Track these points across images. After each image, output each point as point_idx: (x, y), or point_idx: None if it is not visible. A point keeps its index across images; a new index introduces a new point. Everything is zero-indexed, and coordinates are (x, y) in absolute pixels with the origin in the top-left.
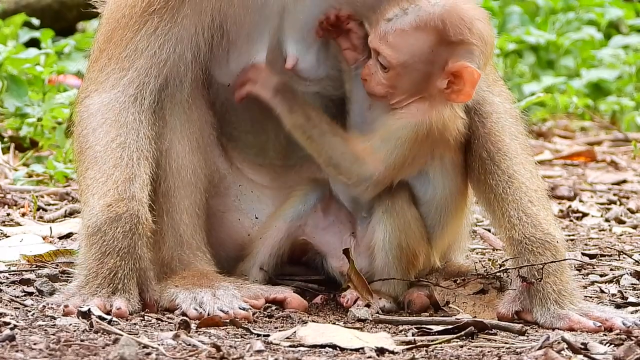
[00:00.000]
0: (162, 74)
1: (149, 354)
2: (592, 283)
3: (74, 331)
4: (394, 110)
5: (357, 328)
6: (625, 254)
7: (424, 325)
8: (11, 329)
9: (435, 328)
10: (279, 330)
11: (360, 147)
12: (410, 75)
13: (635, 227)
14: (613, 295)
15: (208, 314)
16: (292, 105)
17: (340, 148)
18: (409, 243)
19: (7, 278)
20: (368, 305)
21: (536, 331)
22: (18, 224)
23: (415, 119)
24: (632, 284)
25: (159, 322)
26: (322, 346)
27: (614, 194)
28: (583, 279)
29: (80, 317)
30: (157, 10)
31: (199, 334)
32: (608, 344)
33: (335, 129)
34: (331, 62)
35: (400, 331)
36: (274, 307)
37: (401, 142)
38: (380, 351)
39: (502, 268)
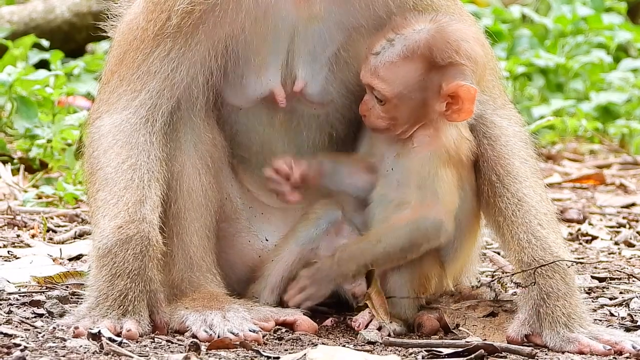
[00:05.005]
0: (175, 96)
1: None
2: (602, 306)
3: (84, 353)
4: (405, 152)
5: (367, 350)
6: (635, 277)
7: (434, 348)
8: (21, 350)
9: (445, 351)
10: (289, 353)
11: (404, 214)
12: (407, 105)
13: None
14: (623, 318)
15: (218, 336)
16: (340, 267)
17: (394, 234)
18: (422, 265)
19: (17, 299)
20: (379, 328)
21: (546, 354)
22: (28, 246)
23: (430, 148)
24: None
25: (169, 344)
26: None
27: (623, 217)
28: (592, 302)
29: (90, 339)
30: (170, 34)
31: (209, 356)
32: None
33: (370, 235)
34: (338, 87)
35: (410, 354)
36: (284, 330)
37: (433, 174)
38: None
39: (511, 291)
